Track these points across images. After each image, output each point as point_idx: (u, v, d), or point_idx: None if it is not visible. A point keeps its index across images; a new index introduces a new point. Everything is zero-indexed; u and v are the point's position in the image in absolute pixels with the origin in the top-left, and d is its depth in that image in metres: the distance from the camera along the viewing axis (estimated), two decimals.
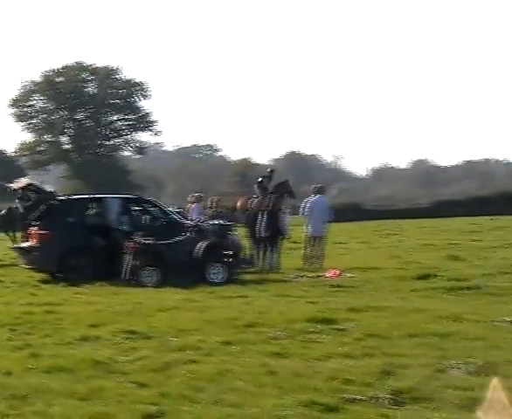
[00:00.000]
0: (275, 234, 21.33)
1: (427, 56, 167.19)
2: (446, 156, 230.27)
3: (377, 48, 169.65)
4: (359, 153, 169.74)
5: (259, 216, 21.62)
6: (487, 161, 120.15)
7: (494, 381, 4.58)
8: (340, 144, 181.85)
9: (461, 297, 14.88)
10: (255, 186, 30.53)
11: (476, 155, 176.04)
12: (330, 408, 7.36)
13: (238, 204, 32.72)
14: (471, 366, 8.69)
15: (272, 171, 34.12)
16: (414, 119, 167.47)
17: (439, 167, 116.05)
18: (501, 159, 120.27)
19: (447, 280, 17.00)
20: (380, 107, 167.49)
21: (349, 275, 18.80)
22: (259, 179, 30.17)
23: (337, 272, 19.07)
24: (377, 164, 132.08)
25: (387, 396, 7.66)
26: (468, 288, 15.69)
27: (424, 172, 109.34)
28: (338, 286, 16.88)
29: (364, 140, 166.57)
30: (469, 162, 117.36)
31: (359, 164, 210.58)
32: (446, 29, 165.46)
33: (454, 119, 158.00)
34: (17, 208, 21.36)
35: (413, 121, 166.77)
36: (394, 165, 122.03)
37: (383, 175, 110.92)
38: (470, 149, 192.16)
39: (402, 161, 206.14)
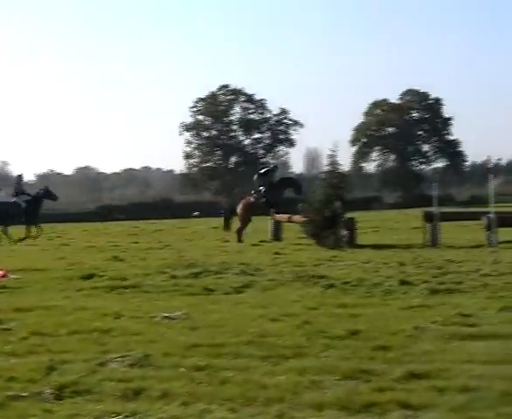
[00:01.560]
0: None
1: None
2: (109, 164, 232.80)
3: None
4: (25, 159, 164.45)
5: None
6: (146, 168, 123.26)
7: None
8: (4, 150, 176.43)
9: (122, 295, 15.00)
10: (255, 176, 28.27)
11: (136, 164, 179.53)
12: None
13: (240, 206, 30.06)
14: (129, 358, 8.77)
15: (276, 166, 33.22)
16: (76, 128, 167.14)
17: (102, 173, 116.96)
18: (158, 167, 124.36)
19: (110, 279, 17.04)
20: (43, 116, 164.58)
21: (14, 276, 18.19)
22: (263, 170, 28.17)
23: (2, 274, 18.38)
24: (43, 170, 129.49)
25: (51, 391, 7.50)
26: (129, 287, 15.88)
27: (89, 178, 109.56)
28: (4, 287, 16.22)
29: (29, 147, 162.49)
30: (129, 170, 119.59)
31: (26, 170, 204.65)
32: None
33: (115, 129, 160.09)
34: None
35: (76, 131, 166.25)
36: (59, 171, 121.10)
37: (49, 180, 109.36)
38: (130, 158, 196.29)
39: (67, 168, 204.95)
